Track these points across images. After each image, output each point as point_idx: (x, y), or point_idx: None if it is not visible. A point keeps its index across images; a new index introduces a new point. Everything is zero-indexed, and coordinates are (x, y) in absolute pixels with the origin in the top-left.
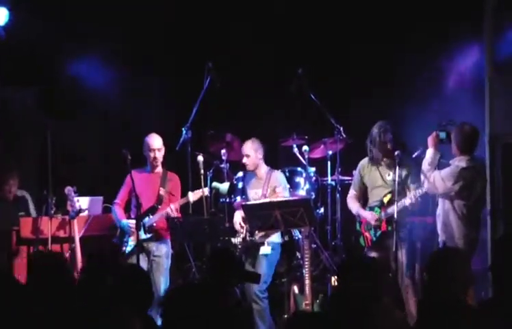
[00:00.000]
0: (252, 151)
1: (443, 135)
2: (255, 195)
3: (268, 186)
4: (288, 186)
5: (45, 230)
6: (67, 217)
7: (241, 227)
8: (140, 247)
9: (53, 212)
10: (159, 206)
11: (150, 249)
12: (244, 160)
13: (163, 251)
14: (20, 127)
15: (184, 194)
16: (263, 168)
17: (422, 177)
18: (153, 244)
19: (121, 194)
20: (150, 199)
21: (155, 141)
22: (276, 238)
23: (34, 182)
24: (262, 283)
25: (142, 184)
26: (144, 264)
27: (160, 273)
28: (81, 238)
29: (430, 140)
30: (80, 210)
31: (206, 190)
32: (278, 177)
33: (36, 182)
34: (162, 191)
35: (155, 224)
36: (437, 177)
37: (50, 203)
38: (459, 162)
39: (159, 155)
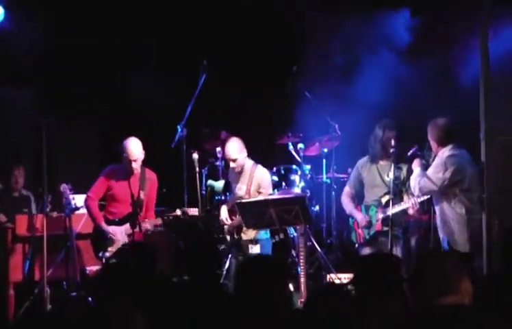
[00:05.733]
0: (238, 154)
1: (424, 162)
2: (239, 190)
3: (252, 182)
4: (272, 179)
5: (40, 227)
6: (63, 215)
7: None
8: None
9: (48, 209)
10: (141, 213)
11: None
12: (232, 164)
13: None
14: (16, 126)
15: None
16: (247, 164)
17: (412, 184)
18: None
19: (96, 188)
20: (129, 203)
21: (134, 151)
22: (263, 233)
23: (30, 181)
24: None
25: (120, 187)
26: None
27: None
28: (76, 236)
29: (416, 162)
30: (76, 208)
31: (196, 211)
32: (263, 174)
33: (32, 181)
34: (142, 194)
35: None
36: (428, 175)
37: (46, 200)
38: (443, 153)
39: (136, 164)
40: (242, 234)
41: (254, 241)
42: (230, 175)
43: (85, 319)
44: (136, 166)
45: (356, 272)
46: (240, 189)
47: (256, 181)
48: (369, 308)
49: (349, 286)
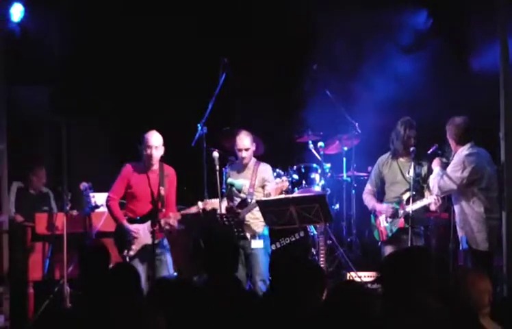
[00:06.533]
0: (252, 145)
1: (445, 160)
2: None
3: (257, 176)
4: (285, 179)
5: (60, 226)
6: (82, 213)
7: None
8: (144, 252)
9: (68, 208)
10: (163, 209)
11: (150, 250)
12: (244, 154)
13: (163, 249)
14: (34, 125)
15: (186, 190)
16: (252, 160)
17: (431, 184)
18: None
19: (116, 187)
20: (149, 200)
21: (153, 138)
22: (266, 230)
23: (49, 179)
24: (260, 281)
25: (139, 184)
26: (143, 269)
27: (165, 270)
28: (97, 234)
29: (436, 161)
30: (96, 206)
31: (217, 202)
32: (266, 168)
33: (51, 179)
34: (162, 191)
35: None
36: (447, 173)
37: (65, 199)
38: (461, 151)
39: (156, 153)
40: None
41: (258, 236)
42: (232, 171)
43: (107, 319)
44: (156, 154)
45: (384, 270)
46: (243, 185)
47: (260, 176)
48: (395, 305)
49: (369, 285)
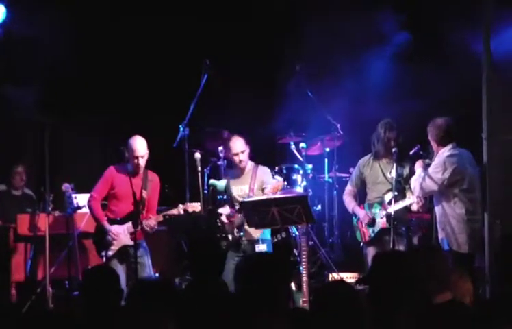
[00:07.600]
0: (246, 147)
1: (428, 161)
2: (240, 191)
3: (256, 180)
4: (281, 180)
5: (42, 227)
6: (65, 214)
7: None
8: (123, 253)
9: (50, 208)
10: (144, 212)
11: (131, 252)
12: (241, 157)
13: (142, 251)
14: (18, 125)
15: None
16: (249, 164)
17: (413, 185)
18: (132, 248)
19: (99, 188)
20: (131, 202)
21: (140, 147)
22: (267, 233)
23: (32, 180)
24: None
25: (123, 186)
26: (122, 269)
27: (145, 272)
28: (81, 234)
29: (418, 163)
30: (78, 207)
31: (198, 206)
32: (265, 171)
33: (35, 180)
34: (145, 194)
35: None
36: (428, 174)
37: (47, 200)
38: (442, 153)
39: (143, 162)
40: (244, 237)
41: (260, 241)
42: (230, 179)
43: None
44: (142, 163)
45: (372, 271)
46: (242, 190)
47: (259, 180)
48: (382, 305)
49: (357, 285)
